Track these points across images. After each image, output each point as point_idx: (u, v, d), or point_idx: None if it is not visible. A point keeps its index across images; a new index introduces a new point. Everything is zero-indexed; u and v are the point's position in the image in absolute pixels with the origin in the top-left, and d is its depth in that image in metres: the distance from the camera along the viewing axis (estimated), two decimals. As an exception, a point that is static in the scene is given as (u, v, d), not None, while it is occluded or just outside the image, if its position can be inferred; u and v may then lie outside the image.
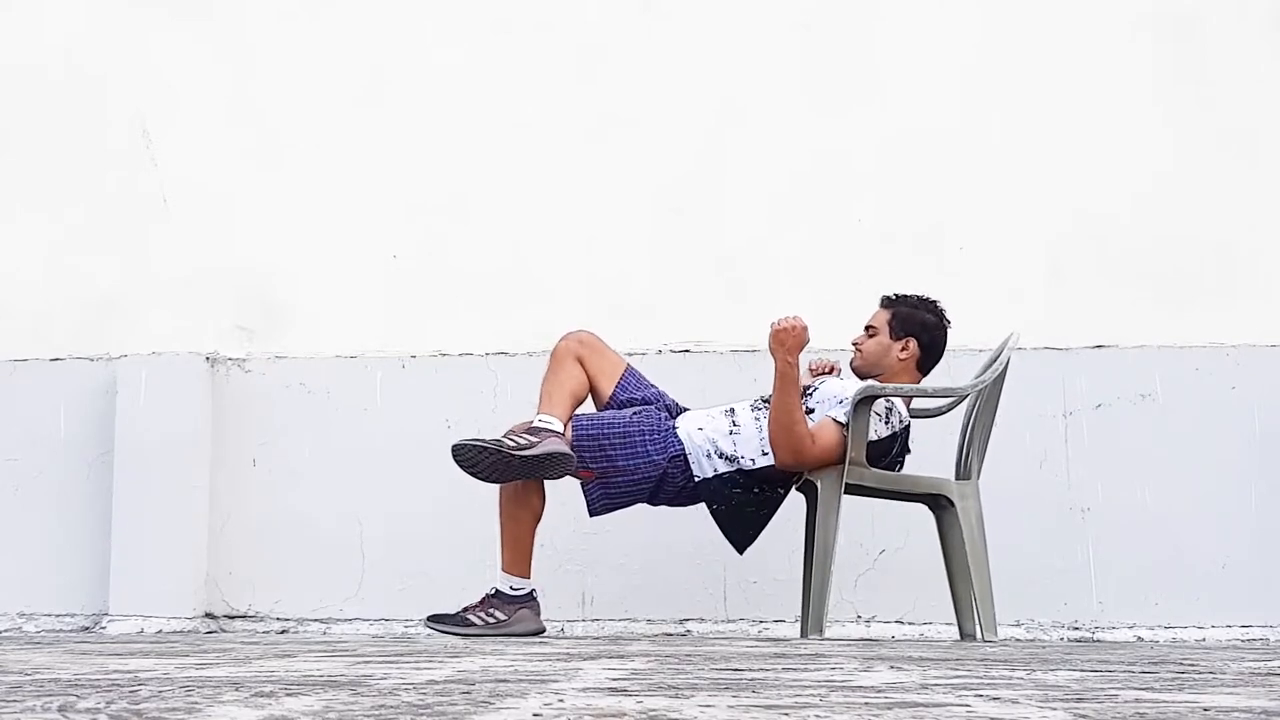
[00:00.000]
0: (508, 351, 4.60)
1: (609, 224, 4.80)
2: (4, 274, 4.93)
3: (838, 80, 4.82)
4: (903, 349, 3.88)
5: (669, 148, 4.82)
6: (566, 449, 3.63)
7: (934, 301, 3.93)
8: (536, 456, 3.57)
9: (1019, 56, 4.80)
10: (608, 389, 3.88)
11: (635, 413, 3.82)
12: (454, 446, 3.62)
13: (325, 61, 4.96)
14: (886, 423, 3.78)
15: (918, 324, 3.89)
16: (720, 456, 3.77)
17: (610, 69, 4.88)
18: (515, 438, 3.61)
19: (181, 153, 4.94)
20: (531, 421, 3.68)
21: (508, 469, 3.61)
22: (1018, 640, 4.07)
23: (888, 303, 3.95)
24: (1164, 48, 4.76)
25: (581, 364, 3.86)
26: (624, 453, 3.73)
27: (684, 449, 3.77)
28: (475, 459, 3.60)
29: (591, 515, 3.78)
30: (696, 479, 3.77)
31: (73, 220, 4.93)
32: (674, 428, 3.81)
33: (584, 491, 3.76)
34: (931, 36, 4.83)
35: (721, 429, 3.80)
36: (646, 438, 3.76)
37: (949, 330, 3.92)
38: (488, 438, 3.61)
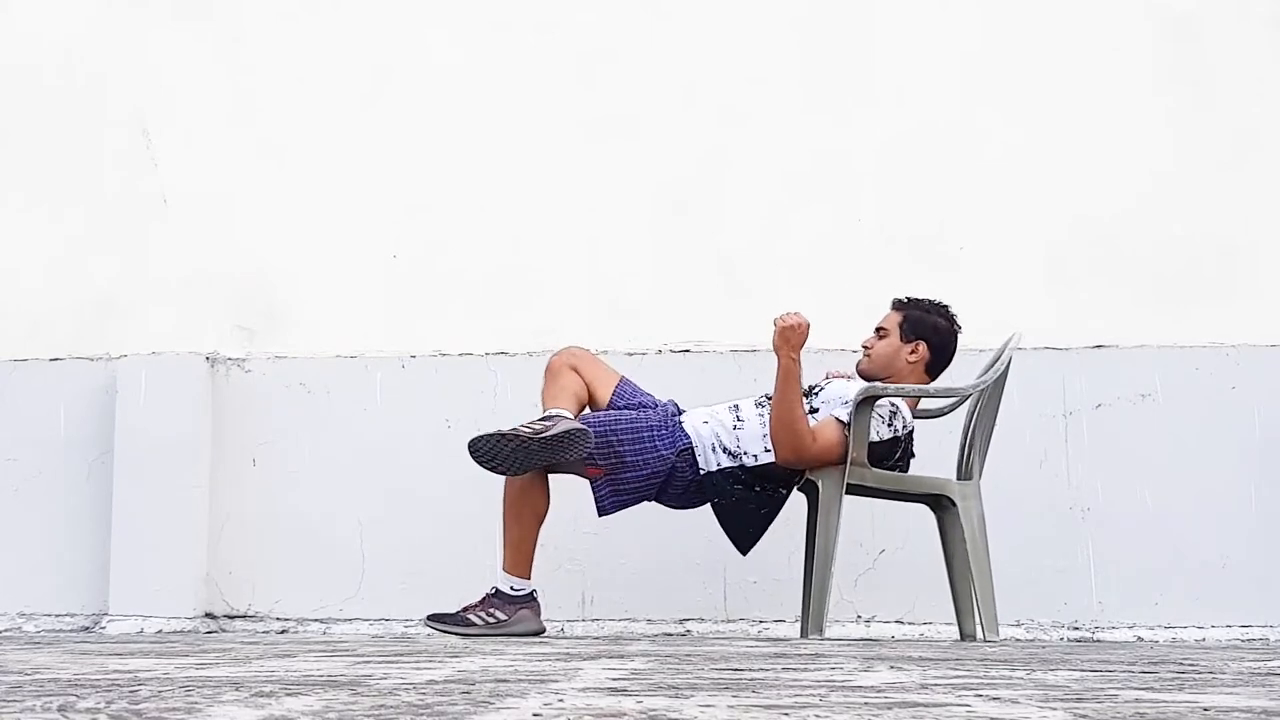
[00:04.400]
0: (507, 351, 4.60)
1: (609, 224, 4.80)
2: (4, 274, 4.93)
3: (838, 80, 4.82)
4: (912, 352, 3.87)
5: (670, 148, 4.82)
6: (582, 425, 3.62)
7: (945, 306, 3.92)
8: (555, 436, 3.57)
9: (1019, 57, 4.80)
10: (605, 396, 3.88)
11: (640, 412, 3.83)
12: (471, 441, 3.61)
13: (325, 61, 4.96)
14: (889, 425, 3.77)
15: (929, 328, 3.88)
16: (723, 451, 3.78)
17: (611, 69, 4.88)
18: (530, 426, 3.61)
19: (181, 153, 4.94)
20: (541, 416, 3.69)
21: (529, 455, 3.58)
22: (1018, 640, 4.06)
23: (899, 305, 3.93)
24: (1164, 48, 4.76)
25: (577, 373, 3.86)
26: (633, 449, 3.73)
27: (690, 442, 3.78)
28: (494, 451, 3.58)
29: (600, 515, 3.76)
30: (702, 472, 3.77)
31: (73, 220, 4.92)
32: (680, 423, 3.82)
33: (593, 490, 3.75)
34: (932, 37, 4.83)
35: (725, 424, 3.81)
36: (655, 433, 3.76)
37: (959, 336, 3.91)
38: (504, 429, 3.60)
